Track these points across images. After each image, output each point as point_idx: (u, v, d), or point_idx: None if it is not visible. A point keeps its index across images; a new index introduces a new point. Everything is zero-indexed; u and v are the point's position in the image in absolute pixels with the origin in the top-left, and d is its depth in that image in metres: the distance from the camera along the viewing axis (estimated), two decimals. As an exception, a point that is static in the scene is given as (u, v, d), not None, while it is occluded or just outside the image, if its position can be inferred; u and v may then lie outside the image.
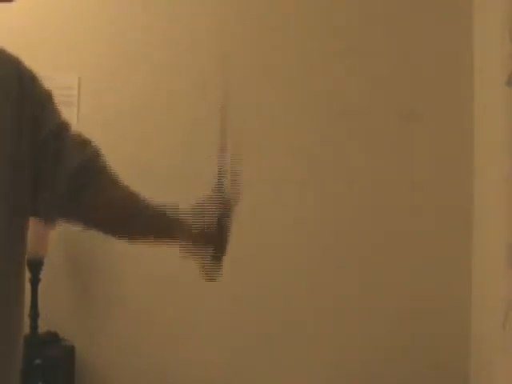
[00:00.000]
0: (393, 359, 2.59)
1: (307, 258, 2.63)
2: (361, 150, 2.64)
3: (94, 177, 1.34)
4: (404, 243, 2.61)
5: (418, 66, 2.63)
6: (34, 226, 1.34)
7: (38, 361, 2.42)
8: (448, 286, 2.59)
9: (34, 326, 2.49)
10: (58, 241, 2.58)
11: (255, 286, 2.63)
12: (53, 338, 2.58)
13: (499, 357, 2.22)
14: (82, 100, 2.69)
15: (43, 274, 2.52)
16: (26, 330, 2.50)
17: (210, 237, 1.38)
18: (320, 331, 2.62)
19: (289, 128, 2.66)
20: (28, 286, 2.51)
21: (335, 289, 2.62)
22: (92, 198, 1.34)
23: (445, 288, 2.59)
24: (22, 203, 1.26)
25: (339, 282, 2.63)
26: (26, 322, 2.52)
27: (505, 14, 2.23)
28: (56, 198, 1.30)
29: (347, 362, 2.61)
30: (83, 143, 1.35)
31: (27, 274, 2.45)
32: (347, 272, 2.62)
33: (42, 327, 2.53)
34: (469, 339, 2.55)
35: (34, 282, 2.49)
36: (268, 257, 2.64)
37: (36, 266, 2.48)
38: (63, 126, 1.33)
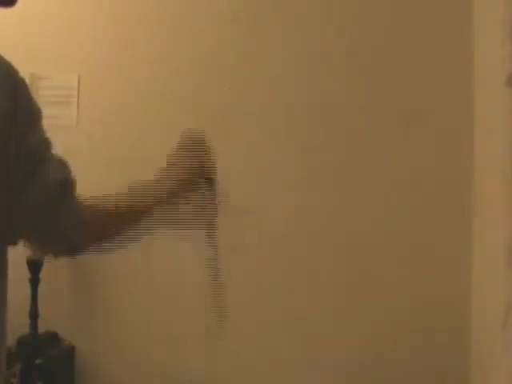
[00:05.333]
0: (392, 358, 2.59)
1: (307, 257, 2.63)
2: (361, 149, 2.64)
3: (72, 195, 1.28)
4: (404, 243, 2.61)
5: (418, 65, 2.63)
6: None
7: (38, 361, 2.42)
8: (448, 285, 2.59)
9: (33, 326, 2.49)
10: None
11: (255, 285, 2.63)
12: (53, 338, 2.58)
13: (499, 357, 2.21)
14: (82, 100, 2.69)
15: (43, 274, 2.52)
16: (26, 330, 2.50)
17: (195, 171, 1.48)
18: (319, 329, 2.62)
19: (288, 127, 2.66)
20: (28, 286, 2.51)
21: (335, 288, 2.62)
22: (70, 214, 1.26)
23: (445, 288, 2.58)
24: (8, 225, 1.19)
25: (339, 281, 2.63)
26: (26, 322, 2.53)
27: (505, 14, 2.23)
28: (32, 210, 1.22)
29: (346, 361, 2.61)
30: (64, 163, 1.29)
31: (27, 275, 2.47)
32: (347, 271, 2.62)
33: (42, 327, 2.53)
34: (469, 339, 2.55)
35: (34, 282, 2.49)
36: (267, 257, 2.64)
37: (36, 266, 2.48)
38: (47, 143, 1.27)
